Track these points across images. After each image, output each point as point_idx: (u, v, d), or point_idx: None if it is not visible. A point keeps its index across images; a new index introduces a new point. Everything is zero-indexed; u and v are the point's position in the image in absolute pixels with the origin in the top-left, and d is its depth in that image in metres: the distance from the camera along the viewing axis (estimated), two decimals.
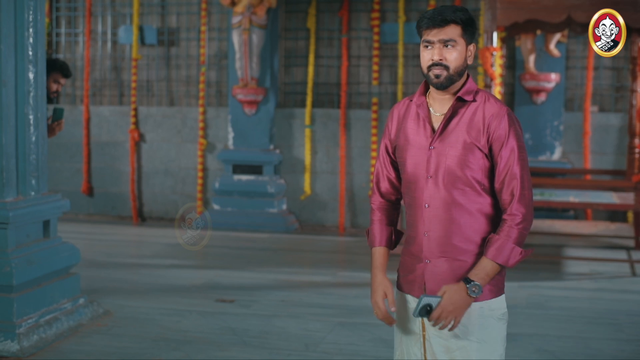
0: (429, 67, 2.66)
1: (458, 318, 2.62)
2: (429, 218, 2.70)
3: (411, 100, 2.82)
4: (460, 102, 2.71)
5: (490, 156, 2.68)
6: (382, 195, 2.90)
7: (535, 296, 6.25)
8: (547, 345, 5.06)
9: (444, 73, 2.65)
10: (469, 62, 2.70)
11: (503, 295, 2.77)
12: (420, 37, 2.70)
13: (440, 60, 2.64)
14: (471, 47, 2.70)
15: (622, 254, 7.74)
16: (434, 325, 2.63)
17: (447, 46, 2.64)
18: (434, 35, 2.64)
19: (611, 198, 7.56)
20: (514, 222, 2.63)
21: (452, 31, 2.63)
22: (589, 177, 8.69)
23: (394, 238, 2.88)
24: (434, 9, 2.69)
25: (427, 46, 2.67)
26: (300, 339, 5.19)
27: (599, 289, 6.55)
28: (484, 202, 2.70)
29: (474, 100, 2.70)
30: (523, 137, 2.72)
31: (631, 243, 8.10)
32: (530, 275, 6.82)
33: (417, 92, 2.79)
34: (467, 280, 2.61)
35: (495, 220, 2.72)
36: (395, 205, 2.91)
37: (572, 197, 7.56)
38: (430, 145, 2.70)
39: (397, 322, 2.84)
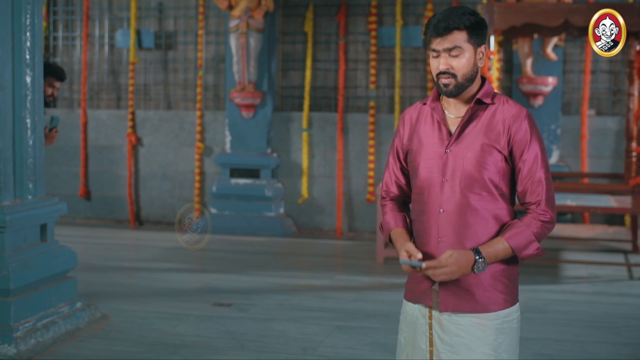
0: (437, 76, 2.62)
1: (447, 279, 2.56)
2: (444, 224, 2.63)
3: (424, 104, 2.76)
4: (478, 105, 2.65)
5: (511, 159, 2.63)
6: (392, 200, 2.84)
7: (533, 300, 6.24)
8: (545, 349, 5.06)
9: (452, 81, 2.60)
10: (480, 64, 2.64)
11: (517, 304, 2.71)
12: (429, 44, 2.64)
13: (447, 69, 2.59)
14: (482, 49, 2.63)
15: (620, 258, 7.75)
16: (425, 269, 2.55)
17: (453, 54, 2.59)
18: (438, 44, 2.59)
19: (608, 202, 7.56)
20: (539, 218, 2.60)
21: (457, 38, 2.58)
22: (586, 180, 8.69)
23: (409, 223, 2.79)
24: (441, 13, 2.62)
25: (434, 55, 2.62)
26: (298, 342, 5.18)
27: (597, 293, 6.55)
28: (500, 208, 2.64)
29: (492, 103, 2.66)
30: (542, 139, 2.66)
31: (628, 246, 8.11)
32: (528, 278, 6.81)
33: (431, 96, 2.74)
34: (477, 254, 2.56)
35: None
36: (406, 204, 2.84)
37: (570, 200, 7.56)
38: (446, 149, 2.64)
39: (403, 336, 2.78)
